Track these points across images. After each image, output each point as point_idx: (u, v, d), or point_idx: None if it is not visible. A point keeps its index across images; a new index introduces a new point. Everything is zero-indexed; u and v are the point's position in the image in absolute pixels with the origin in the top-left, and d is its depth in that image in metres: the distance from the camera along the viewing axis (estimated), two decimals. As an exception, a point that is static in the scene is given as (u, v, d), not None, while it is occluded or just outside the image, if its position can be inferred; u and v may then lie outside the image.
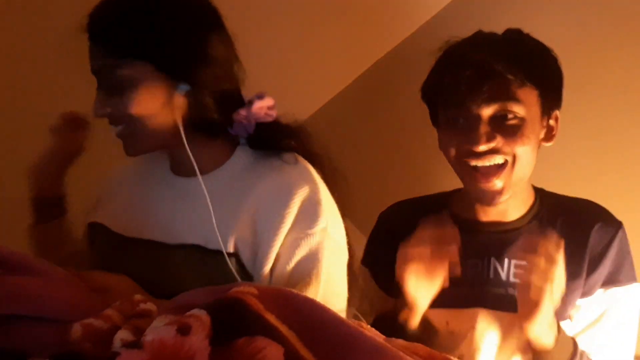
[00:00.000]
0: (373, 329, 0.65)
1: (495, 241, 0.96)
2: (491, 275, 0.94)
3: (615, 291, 0.92)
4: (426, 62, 0.97)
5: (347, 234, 0.91)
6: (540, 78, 0.89)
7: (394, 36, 1.26)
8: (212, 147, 0.86)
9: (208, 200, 0.80)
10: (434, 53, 0.96)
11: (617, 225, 0.95)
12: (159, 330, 0.47)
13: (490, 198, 0.91)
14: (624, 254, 0.94)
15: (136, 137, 0.81)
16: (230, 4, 0.82)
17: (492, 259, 0.94)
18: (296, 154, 0.87)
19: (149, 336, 0.48)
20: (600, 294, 0.92)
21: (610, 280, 0.92)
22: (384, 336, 0.64)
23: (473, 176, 0.91)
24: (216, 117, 0.84)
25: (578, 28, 1.19)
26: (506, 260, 0.94)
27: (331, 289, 0.83)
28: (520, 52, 0.89)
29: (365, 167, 1.39)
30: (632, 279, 0.94)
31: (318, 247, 0.81)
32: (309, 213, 0.81)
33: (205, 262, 0.81)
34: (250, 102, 0.85)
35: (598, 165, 1.21)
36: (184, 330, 0.47)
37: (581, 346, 0.89)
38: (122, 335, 0.54)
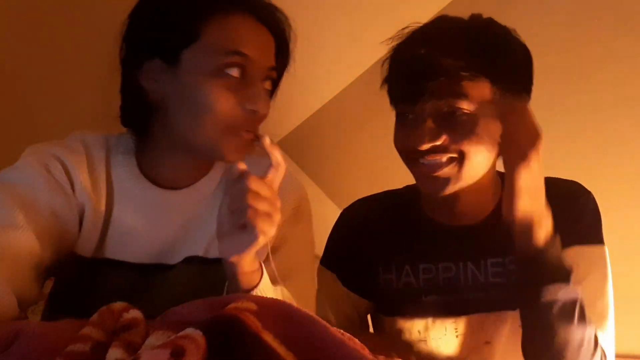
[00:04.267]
0: (355, 339, 0.63)
1: (467, 243, 0.92)
2: (469, 280, 0.91)
3: (587, 250, 0.88)
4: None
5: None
6: (497, 71, 0.81)
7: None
8: None
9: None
10: (391, 40, 0.91)
11: (587, 192, 0.93)
12: (152, 354, 0.45)
13: (436, 189, 0.87)
14: (594, 215, 0.91)
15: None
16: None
17: (468, 263, 0.92)
18: None
19: (143, 359, 0.46)
20: (574, 251, 0.87)
21: (582, 239, 0.88)
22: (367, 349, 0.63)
23: (420, 169, 0.87)
24: None
25: (577, 27, 1.18)
26: (482, 262, 0.91)
27: (307, 280, 0.87)
28: (476, 43, 0.82)
29: (365, 167, 1.38)
30: (601, 241, 0.90)
31: (303, 242, 0.86)
32: (298, 213, 0.86)
33: (205, 273, 0.80)
34: None
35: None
36: (177, 353, 0.45)
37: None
38: (117, 354, 0.52)
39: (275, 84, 0.82)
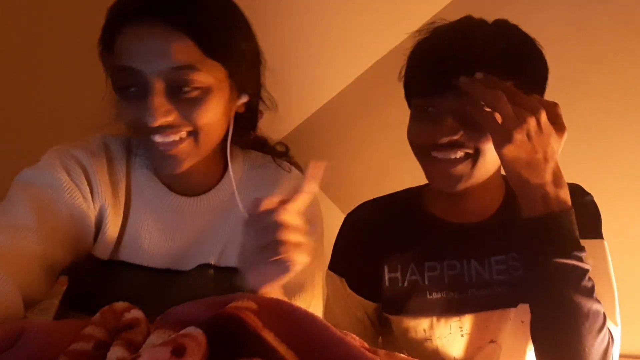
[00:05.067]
0: (355, 337, 0.64)
1: (471, 240, 0.93)
2: (473, 278, 0.92)
3: (587, 243, 0.84)
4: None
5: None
6: (521, 76, 0.82)
7: (394, 36, 1.25)
8: (220, 159, 0.86)
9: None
10: (417, 34, 0.90)
11: (587, 193, 0.94)
12: (153, 352, 0.46)
13: (449, 185, 0.87)
14: (594, 213, 0.92)
15: (194, 151, 0.74)
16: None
17: (472, 261, 0.92)
18: (287, 162, 0.91)
19: (144, 357, 0.47)
20: None
21: (582, 234, 0.84)
22: (367, 345, 0.63)
23: (433, 164, 0.87)
24: (256, 127, 0.87)
25: (576, 27, 1.19)
26: (486, 260, 0.92)
27: (317, 292, 0.86)
28: (504, 46, 0.83)
29: (366, 167, 1.38)
30: (601, 236, 0.91)
31: (314, 255, 0.81)
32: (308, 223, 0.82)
33: (217, 281, 0.81)
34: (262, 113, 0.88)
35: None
36: (178, 351, 0.46)
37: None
38: (118, 353, 0.52)
39: (241, 81, 0.77)
